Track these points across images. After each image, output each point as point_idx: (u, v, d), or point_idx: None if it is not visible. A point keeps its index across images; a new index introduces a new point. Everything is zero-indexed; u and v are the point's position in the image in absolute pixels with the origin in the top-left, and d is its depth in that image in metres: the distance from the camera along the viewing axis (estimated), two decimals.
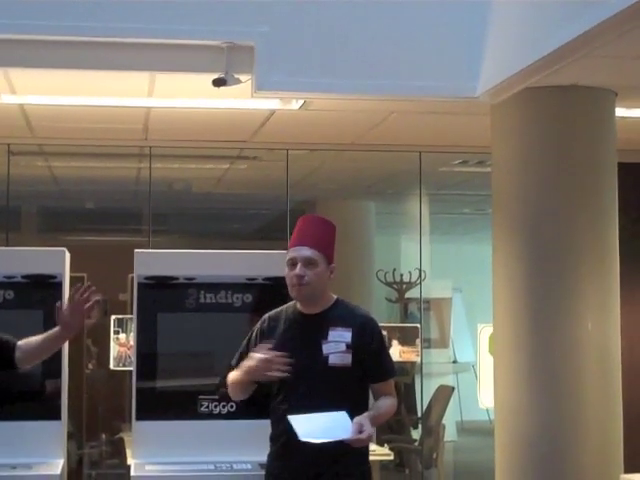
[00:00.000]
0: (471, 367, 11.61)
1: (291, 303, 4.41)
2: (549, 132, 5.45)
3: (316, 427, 4.14)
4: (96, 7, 5.19)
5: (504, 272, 5.65)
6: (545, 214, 5.46)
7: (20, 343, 4.51)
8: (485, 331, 8.97)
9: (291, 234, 4.39)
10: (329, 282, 4.32)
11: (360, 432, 4.04)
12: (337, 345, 4.22)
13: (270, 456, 4.45)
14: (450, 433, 9.62)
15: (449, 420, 9.54)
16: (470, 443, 11.69)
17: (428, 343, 10.73)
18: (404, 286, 10.25)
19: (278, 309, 4.47)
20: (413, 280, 9.95)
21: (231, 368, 4.48)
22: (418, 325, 8.84)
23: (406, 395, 9.97)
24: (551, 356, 5.39)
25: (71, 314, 4.26)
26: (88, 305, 4.25)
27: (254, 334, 4.46)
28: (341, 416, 4.12)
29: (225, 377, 4.52)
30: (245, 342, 4.51)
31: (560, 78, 5.10)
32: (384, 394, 4.30)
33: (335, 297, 4.38)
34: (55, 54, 5.24)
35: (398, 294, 10.29)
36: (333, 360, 4.21)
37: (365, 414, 4.14)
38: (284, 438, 4.27)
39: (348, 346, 4.22)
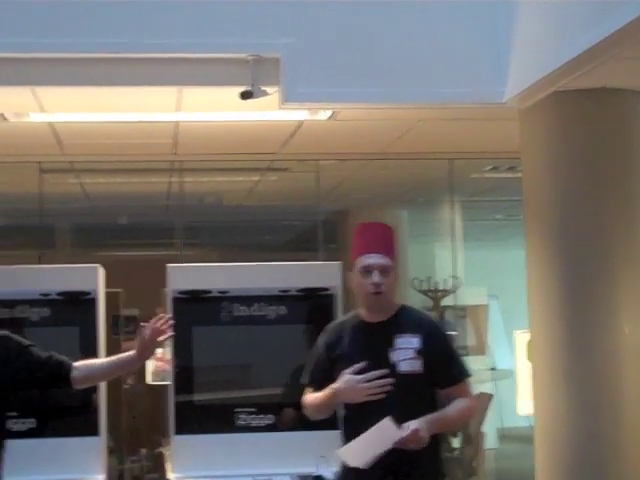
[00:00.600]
0: (510, 374, 11.54)
1: (352, 313, 4.33)
2: (578, 135, 5.39)
3: (363, 448, 4.07)
4: (123, 24, 5.21)
5: (538, 278, 5.60)
6: (577, 218, 5.40)
7: (77, 364, 4.52)
8: (522, 337, 8.89)
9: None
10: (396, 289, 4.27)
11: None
12: (405, 352, 4.12)
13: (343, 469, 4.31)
14: (491, 441, 9.55)
15: (489, 427, 9.47)
16: (511, 450, 11.59)
17: (465, 350, 10.65)
18: (439, 294, 10.19)
19: (340, 320, 4.41)
20: (448, 288, 9.89)
21: (304, 386, 4.36)
22: (455, 333, 8.80)
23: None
24: (588, 361, 5.33)
25: (150, 341, 4.22)
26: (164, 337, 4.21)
27: (320, 348, 4.33)
28: (384, 424, 4.02)
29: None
30: (313, 358, 4.37)
31: (588, 81, 5.04)
32: (457, 397, 4.16)
33: (400, 303, 4.30)
34: (83, 71, 5.26)
35: (433, 302, 10.23)
36: (403, 367, 4.10)
37: (421, 418, 4.02)
38: None
39: (417, 352, 4.12)
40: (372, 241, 4.26)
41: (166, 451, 7.79)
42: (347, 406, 4.21)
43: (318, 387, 4.27)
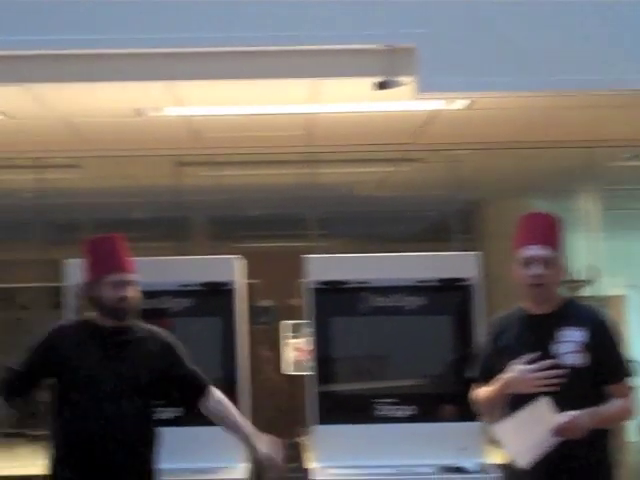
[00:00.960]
0: None
1: (517, 305, 4.27)
2: None
3: (519, 430, 4.01)
4: (260, 18, 5.25)
5: None
6: None
7: (217, 397, 4.68)
8: None
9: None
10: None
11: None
12: (568, 345, 4.06)
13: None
14: (634, 434, 9.31)
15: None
16: None
17: None
18: (576, 284, 9.99)
19: (504, 313, 4.34)
20: (585, 278, 9.68)
21: (472, 381, 4.35)
22: None
23: None
24: None
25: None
26: None
27: (486, 342, 4.32)
28: (541, 403, 3.97)
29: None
30: (480, 353, 4.37)
31: None
32: (615, 396, 4.07)
33: (566, 296, 4.24)
34: (219, 65, 5.32)
35: (570, 292, 10.04)
36: (568, 360, 4.05)
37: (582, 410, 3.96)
38: None
39: (582, 346, 4.05)
40: (534, 232, 4.18)
41: (304, 441, 7.86)
42: (511, 400, 4.14)
43: (485, 381, 4.23)
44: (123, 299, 4.60)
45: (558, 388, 4.02)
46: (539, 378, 4.00)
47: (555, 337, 4.10)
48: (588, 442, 3.98)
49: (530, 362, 4.06)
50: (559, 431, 3.91)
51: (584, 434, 3.92)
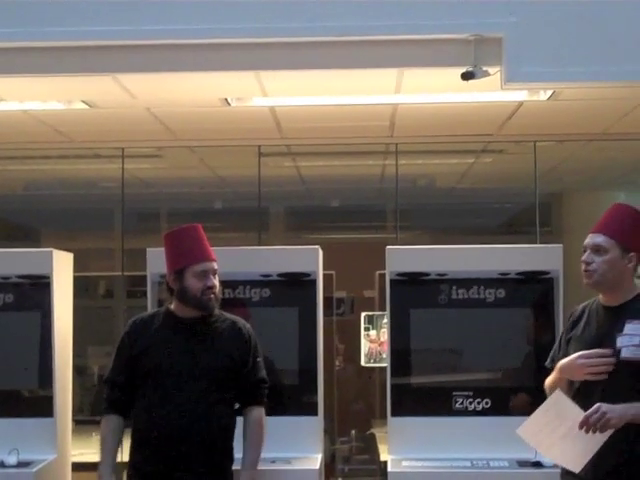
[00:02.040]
0: None
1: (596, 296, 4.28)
2: None
3: (543, 427, 4.01)
4: (344, 7, 5.24)
5: None
6: None
7: (256, 419, 4.76)
8: None
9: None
10: (628, 271, 4.14)
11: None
12: (632, 338, 4.02)
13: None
14: None
15: None
16: None
17: None
18: None
19: (586, 302, 4.34)
20: None
21: (546, 370, 4.38)
22: None
23: None
24: None
25: None
26: None
27: (563, 330, 4.37)
28: (556, 397, 3.99)
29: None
30: (557, 341, 4.40)
31: None
32: None
33: (639, 290, 4.19)
34: (304, 55, 5.32)
35: None
36: (625, 354, 4.01)
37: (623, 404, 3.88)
38: None
39: None
40: (599, 222, 4.21)
41: (378, 432, 7.86)
42: (575, 388, 4.15)
43: (552, 367, 4.27)
44: (210, 288, 4.63)
45: (606, 376, 4.01)
46: (588, 365, 4.00)
47: (620, 329, 4.06)
48: (630, 439, 3.94)
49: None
50: (585, 424, 3.86)
51: (615, 427, 3.85)
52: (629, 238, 4.14)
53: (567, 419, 3.93)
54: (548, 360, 4.39)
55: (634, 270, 4.16)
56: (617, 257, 4.11)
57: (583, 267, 4.15)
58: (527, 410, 4.29)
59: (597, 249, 4.12)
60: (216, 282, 4.68)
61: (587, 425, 3.87)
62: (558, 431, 3.97)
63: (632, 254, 4.13)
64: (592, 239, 4.16)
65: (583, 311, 4.29)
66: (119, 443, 4.73)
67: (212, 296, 4.64)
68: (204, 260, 4.67)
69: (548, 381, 4.29)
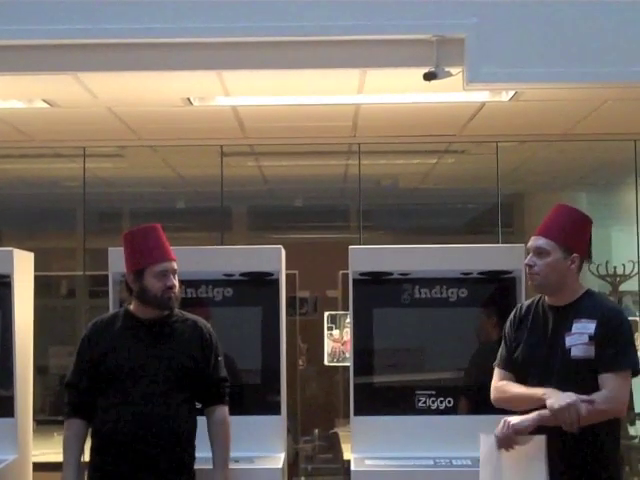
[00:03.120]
0: None
1: (539, 296, 4.31)
2: None
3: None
4: (308, 7, 5.25)
5: None
6: None
7: (221, 418, 4.74)
8: None
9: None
10: (571, 272, 4.17)
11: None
12: (580, 337, 4.06)
13: None
14: None
15: None
16: None
17: None
18: (618, 279, 9.93)
19: (527, 302, 4.38)
20: (627, 272, 9.62)
21: (494, 368, 4.38)
22: (637, 318, 8.57)
23: None
24: None
25: None
26: None
27: (507, 325, 4.36)
28: (482, 442, 4.10)
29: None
30: (503, 337, 4.40)
31: None
32: (602, 388, 4.01)
33: (586, 289, 4.23)
34: (268, 55, 5.33)
35: (612, 287, 9.98)
36: (575, 352, 4.05)
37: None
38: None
39: (591, 338, 4.04)
40: (542, 224, 4.26)
41: (341, 432, 7.87)
42: None
43: (504, 367, 4.28)
44: (170, 288, 4.62)
45: (553, 381, 4.05)
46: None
47: (568, 329, 4.10)
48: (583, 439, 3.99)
49: (535, 357, 4.14)
50: (499, 443, 3.99)
51: (524, 430, 3.96)
52: (570, 239, 4.17)
53: (494, 451, 4.02)
54: (497, 360, 4.37)
55: (578, 270, 4.20)
56: (559, 259, 4.14)
57: (526, 270, 4.21)
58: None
59: (539, 252, 4.16)
60: (176, 282, 4.67)
61: (500, 442, 3.99)
62: (497, 467, 4.04)
63: (574, 255, 4.16)
64: (534, 242, 4.20)
65: (528, 310, 4.30)
66: (82, 447, 4.70)
67: (172, 296, 4.63)
68: (164, 260, 4.66)
69: (511, 389, 4.23)
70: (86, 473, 4.71)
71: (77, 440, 4.64)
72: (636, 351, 4.18)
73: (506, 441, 4.00)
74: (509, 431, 3.98)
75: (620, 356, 4.05)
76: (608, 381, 4.02)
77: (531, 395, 4.09)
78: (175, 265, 4.70)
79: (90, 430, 4.69)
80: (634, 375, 4.14)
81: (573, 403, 3.91)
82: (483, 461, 4.19)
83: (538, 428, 3.99)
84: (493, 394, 4.31)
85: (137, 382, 4.55)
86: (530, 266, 4.17)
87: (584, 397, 3.94)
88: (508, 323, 4.37)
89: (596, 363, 4.04)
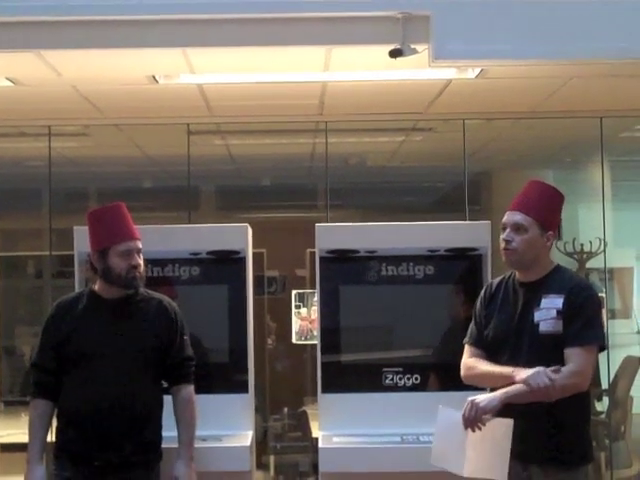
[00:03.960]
0: None
1: (510, 272, 4.32)
2: None
3: (449, 447, 4.12)
4: None
5: None
6: None
7: (186, 397, 4.76)
8: None
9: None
10: (545, 249, 4.19)
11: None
12: (548, 312, 4.08)
13: None
14: (639, 406, 9.34)
15: (637, 392, 9.28)
16: None
17: (612, 314, 10.44)
18: (584, 256, 10.00)
19: (498, 278, 4.39)
20: (594, 250, 9.68)
21: (464, 345, 4.41)
22: (603, 295, 8.63)
23: None
24: None
25: None
26: None
27: (478, 302, 4.39)
28: (441, 415, 4.15)
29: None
30: (473, 314, 4.42)
31: None
32: (567, 362, 4.03)
33: (555, 264, 4.25)
34: (232, 32, 5.29)
35: (579, 264, 10.04)
36: (543, 327, 4.08)
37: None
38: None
39: (559, 312, 4.06)
40: (517, 199, 4.25)
41: (310, 410, 7.89)
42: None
43: (474, 344, 4.29)
44: (134, 267, 4.61)
45: (522, 355, 4.09)
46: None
47: (536, 304, 4.12)
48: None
49: (503, 333, 4.19)
50: (466, 420, 4.00)
51: (491, 409, 3.98)
52: (547, 216, 4.18)
53: (458, 427, 4.01)
54: (467, 337, 4.40)
55: (550, 247, 4.22)
56: (537, 236, 4.15)
57: (503, 245, 4.19)
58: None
59: (517, 227, 4.16)
60: (140, 261, 4.66)
61: (467, 422, 3.99)
62: (460, 444, 4.03)
63: (550, 232, 4.18)
64: (511, 217, 4.19)
65: (499, 287, 4.33)
66: (48, 427, 4.70)
67: (137, 275, 4.62)
68: (128, 239, 4.65)
69: (480, 367, 4.26)
70: (52, 453, 4.70)
71: (42, 420, 4.63)
72: (602, 326, 4.21)
73: (473, 422, 3.99)
74: (477, 413, 3.99)
75: (586, 330, 4.07)
76: (573, 356, 4.04)
77: (500, 373, 4.11)
78: (139, 244, 4.69)
79: (56, 410, 4.67)
80: (600, 350, 4.17)
81: (542, 370, 3.93)
82: (441, 435, 4.20)
83: (504, 406, 4.02)
84: (463, 371, 4.33)
85: (101, 362, 4.54)
86: (507, 241, 4.15)
87: (552, 368, 3.96)
88: (478, 300, 4.38)
89: (563, 337, 4.06)
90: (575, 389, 4.05)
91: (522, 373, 3.98)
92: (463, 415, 4.01)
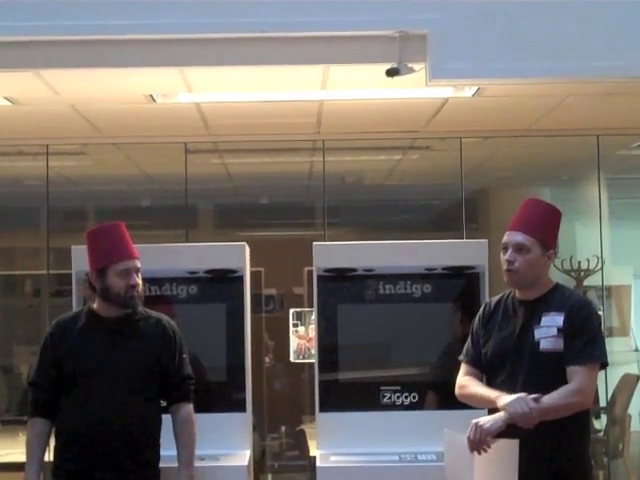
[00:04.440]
0: None
1: (509, 290, 4.31)
2: None
3: (461, 474, 4.08)
4: (269, 3, 5.23)
5: None
6: None
7: (185, 417, 4.75)
8: None
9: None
10: (545, 267, 4.19)
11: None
12: (549, 330, 4.06)
13: None
14: (637, 424, 9.34)
15: (635, 410, 9.28)
16: None
17: (609, 331, 10.45)
18: (582, 273, 10.01)
19: (497, 297, 4.37)
20: (591, 267, 9.70)
21: (461, 362, 4.40)
22: (600, 313, 8.63)
23: None
24: None
25: None
26: None
27: (476, 321, 4.37)
28: (447, 439, 4.14)
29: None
30: (470, 333, 4.40)
31: None
32: (570, 380, 4.01)
33: (554, 282, 4.24)
34: (230, 51, 5.31)
35: (576, 282, 10.06)
36: (544, 345, 4.06)
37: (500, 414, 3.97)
38: None
39: (559, 330, 4.05)
40: (517, 219, 4.23)
41: (308, 428, 7.88)
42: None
43: (469, 362, 4.29)
44: (133, 287, 4.61)
45: (521, 374, 4.07)
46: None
47: (537, 322, 4.11)
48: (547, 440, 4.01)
49: (504, 355, 4.15)
50: (471, 444, 3.95)
51: (495, 431, 3.93)
52: (548, 236, 4.18)
53: (464, 451, 3.99)
54: (462, 354, 4.40)
55: (549, 265, 4.22)
56: (538, 256, 4.14)
57: (505, 266, 4.17)
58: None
59: (519, 248, 4.14)
60: (139, 280, 4.66)
61: (472, 445, 3.95)
62: (469, 467, 3.98)
63: (551, 251, 4.18)
64: (512, 237, 4.17)
65: (497, 305, 4.32)
66: (45, 446, 4.69)
67: (135, 294, 4.62)
68: (126, 258, 4.65)
69: (472, 390, 4.24)
70: (50, 473, 4.69)
71: (40, 439, 4.62)
72: (604, 343, 4.20)
73: (478, 445, 3.95)
74: (481, 435, 3.95)
75: (588, 349, 4.06)
76: (576, 374, 4.02)
77: (487, 396, 4.12)
78: (138, 263, 4.69)
79: (54, 430, 4.67)
80: (601, 368, 4.16)
81: (523, 397, 3.92)
82: (450, 459, 4.19)
83: (507, 427, 4.01)
84: (456, 389, 4.34)
85: (100, 381, 4.53)
86: (510, 262, 4.15)
87: (533, 395, 3.94)
88: (477, 319, 4.37)
89: (564, 355, 4.05)
90: (579, 407, 4.04)
91: (504, 398, 3.97)
92: (468, 438, 3.97)
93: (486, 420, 3.97)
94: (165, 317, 4.82)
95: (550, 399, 3.95)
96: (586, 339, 4.08)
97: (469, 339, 4.38)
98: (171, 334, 4.74)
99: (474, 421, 3.97)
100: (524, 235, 4.14)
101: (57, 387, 4.63)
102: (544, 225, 4.19)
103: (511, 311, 4.23)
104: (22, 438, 5.66)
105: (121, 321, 4.66)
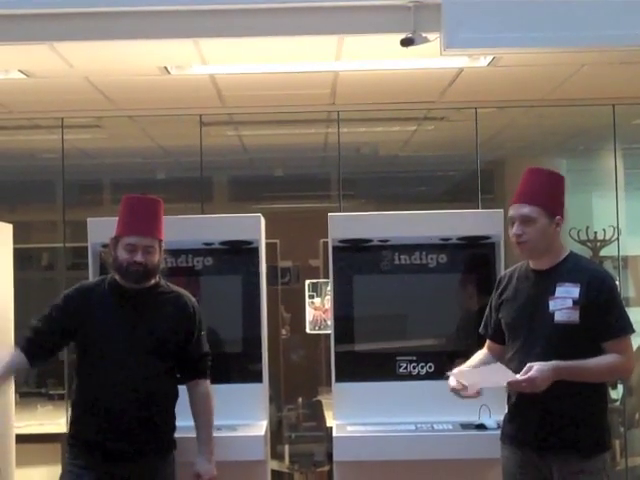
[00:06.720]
0: None
1: (524, 261, 4.32)
2: None
3: (477, 378, 4.14)
4: None
5: None
6: None
7: (204, 392, 4.77)
8: None
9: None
10: (556, 235, 4.19)
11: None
12: (564, 301, 4.07)
13: (505, 418, 4.39)
14: None
15: None
16: None
17: (626, 302, 10.42)
18: (598, 244, 9.98)
19: (512, 267, 4.40)
20: (607, 238, 9.67)
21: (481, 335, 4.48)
22: (617, 283, 8.61)
23: None
24: None
25: None
26: None
27: (492, 296, 4.41)
28: (496, 367, 4.08)
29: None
30: (489, 306, 4.45)
31: None
32: (611, 353, 4.04)
33: (568, 251, 4.25)
34: (244, 22, 5.30)
35: (592, 252, 10.03)
36: (558, 317, 4.07)
37: (550, 362, 3.97)
38: (513, 399, 4.23)
39: (575, 302, 4.06)
40: (520, 191, 4.24)
41: (324, 399, 7.91)
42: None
43: (491, 335, 4.31)
44: (132, 264, 4.58)
45: (538, 345, 4.10)
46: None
47: (550, 293, 4.13)
48: (567, 396, 4.04)
49: (519, 323, 4.20)
50: (515, 386, 3.99)
51: (542, 389, 3.94)
52: (552, 203, 4.18)
53: (498, 377, 4.02)
54: (481, 326, 4.44)
55: (560, 231, 4.22)
56: (546, 224, 4.15)
57: (514, 239, 4.19)
58: None
59: (525, 220, 4.15)
60: (145, 259, 4.60)
61: (515, 386, 3.99)
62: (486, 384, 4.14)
63: (558, 217, 4.18)
64: (518, 210, 4.18)
65: (512, 275, 4.34)
66: (9, 372, 4.74)
67: (137, 270, 4.58)
68: (136, 234, 4.60)
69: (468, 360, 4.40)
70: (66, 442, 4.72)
71: (8, 365, 4.65)
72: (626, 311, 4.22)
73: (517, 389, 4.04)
74: (527, 390, 3.97)
75: (621, 321, 4.10)
76: (618, 347, 4.06)
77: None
78: (149, 242, 4.63)
79: (70, 401, 4.69)
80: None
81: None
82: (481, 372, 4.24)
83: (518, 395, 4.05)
84: None
85: (116, 350, 4.54)
86: (519, 235, 4.15)
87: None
88: (494, 292, 4.41)
89: (596, 329, 4.06)
90: (626, 376, 4.34)
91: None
92: (518, 382, 3.96)
93: (541, 382, 3.94)
94: (186, 293, 4.82)
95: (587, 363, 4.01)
96: (617, 312, 4.11)
97: (487, 312, 4.40)
98: (191, 311, 4.75)
99: (533, 374, 3.93)
100: (529, 206, 4.15)
101: (51, 342, 4.64)
102: (547, 193, 4.19)
103: (524, 281, 4.24)
104: (40, 410, 5.75)
105: (142, 293, 4.66)
